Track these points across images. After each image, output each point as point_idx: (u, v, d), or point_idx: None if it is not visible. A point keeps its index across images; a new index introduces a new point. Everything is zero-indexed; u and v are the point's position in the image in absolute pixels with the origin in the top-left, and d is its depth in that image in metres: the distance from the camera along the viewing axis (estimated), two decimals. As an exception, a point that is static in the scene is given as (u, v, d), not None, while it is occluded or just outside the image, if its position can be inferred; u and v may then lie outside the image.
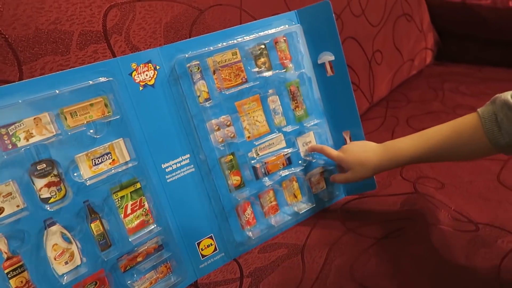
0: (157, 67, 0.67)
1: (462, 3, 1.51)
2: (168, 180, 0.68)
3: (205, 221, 0.73)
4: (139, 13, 0.70)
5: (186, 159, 0.70)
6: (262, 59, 0.76)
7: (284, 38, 0.78)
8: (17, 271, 0.55)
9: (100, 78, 0.60)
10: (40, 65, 0.60)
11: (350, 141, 0.82)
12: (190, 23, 0.76)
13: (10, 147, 0.52)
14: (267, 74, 0.76)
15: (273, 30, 0.77)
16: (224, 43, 0.72)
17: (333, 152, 0.77)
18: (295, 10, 0.79)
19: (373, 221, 0.78)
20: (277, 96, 0.78)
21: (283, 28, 0.78)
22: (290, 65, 0.78)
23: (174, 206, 0.69)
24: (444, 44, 1.66)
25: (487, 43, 1.55)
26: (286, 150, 0.79)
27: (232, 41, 0.73)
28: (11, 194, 0.53)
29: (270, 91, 0.77)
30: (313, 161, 0.81)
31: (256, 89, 0.75)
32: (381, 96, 1.34)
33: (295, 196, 0.81)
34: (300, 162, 0.80)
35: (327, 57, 0.79)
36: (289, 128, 0.79)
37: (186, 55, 0.69)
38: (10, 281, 0.54)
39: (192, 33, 0.76)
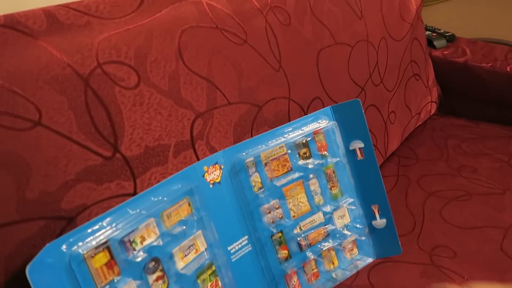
0: (222, 167, 0.79)
1: (464, 64, 1.64)
2: (232, 260, 0.80)
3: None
4: (216, 118, 0.82)
5: (245, 240, 0.82)
6: (304, 150, 0.89)
7: (322, 131, 0.91)
8: None
9: (183, 184, 0.72)
10: (148, 177, 0.71)
11: (379, 213, 0.94)
12: (252, 119, 0.89)
13: (131, 251, 0.63)
14: (309, 163, 0.88)
15: (313, 125, 0.90)
16: (274, 140, 0.85)
17: None
18: (330, 106, 0.92)
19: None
20: (317, 179, 0.90)
21: (320, 123, 0.90)
22: (327, 153, 0.91)
23: (239, 281, 0.80)
24: (445, 98, 1.79)
25: (484, 101, 1.67)
26: (325, 225, 0.91)
27: (279, 138, 0.86)
28: None
29: (311, 175, 0.89)
30: (348, 233, 0.93)
31: (300, 176, 0.88)
32: (393, 149, 1.46)
33: (333, 263, 0.93)
34: (337, 236, 0.92)
35: (357, 144, 0.91)
36: (327, 208, 0.91)
37: (244, 153, 0.82)
38: None
39: (253, 128, 0.89)
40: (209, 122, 0.80)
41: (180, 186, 0.72)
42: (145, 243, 0.65)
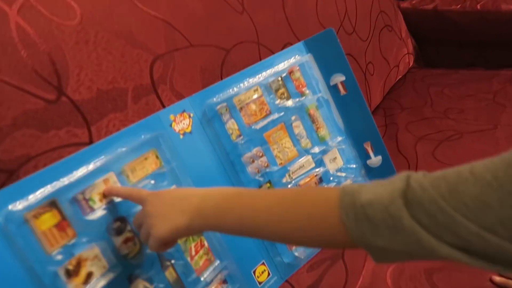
0: (191, 115, 0.69)
1: (434, 10, 1.58)
2: (217, 217, 0.69)
3: (255, 249, 0.73)
4: (178, 61, 0.72)
5: (229, 194, 0.72)
6: (281, 90, 0.79)
7: (298, 67, 0.81)
8: None
9: (148, 135, 0.62)
10: (105, 123, 0.60)
11: (373, 151, 0.84)
12: (220, 63, 0.79)
13: (88, 210, 0.53)
14: (288, 103, 0.79)
15: (286, 63, 0.80)
16: (246, 83, 0.75)
17: (143, 193, 0.54)
18: (303, 41, 0.83)
19: None
20: (300, 121, 0.80)
21: (294, 59, 0.81)
22: (307, 91, 0.81)
23: (228, 240, 0.70)
24: (420, 49, 1.72)
25: (460, 45, 1.61)
26: (316, 170, 0.81)
27: (253, 79, 0.76)
28: (97, 257, 0.52)
29: (293, 118, 0.80)
30: (343, 175, 0.83)
31: (280, 118, 0.78)
32: (377, 103, 1.39)
33: (331, 211, 0.83)
34: (331, 178, 0.82)
35: (338, 78, 0.82)
36: (315, 149, 0.81)
37: (214, 99, 0.71)
38: None
39: (223, 73, 0.79)
40: (171, 65, 0.70)
41: (143, 136, 0.61)
42: (105, 201, 0.55)
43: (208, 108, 0.70)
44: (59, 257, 0.48)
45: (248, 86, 0.75)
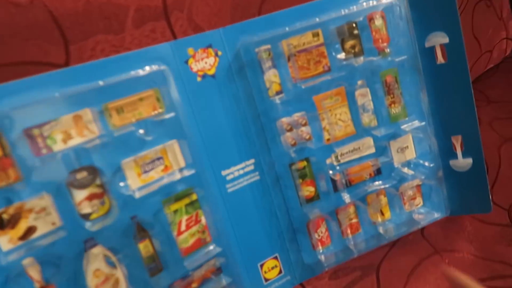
0: (219, 53, 0.52)
1: None
2: (228, 190, 0.54)
3: (270, 239, 0.58)
4: None
5: (250, 165, 0.56)
6: (351, 42, 0.57)
7: (382, 13, 0.58)
8: None
9: (150, 67, 0.47)
10: (90, 45, 0.48)
11: (462, 149, 0.61)
12: (260, 1, 0.60)
13: (45, 151, 0.41)
14: (357, 61, 0.57)
15: (366, 5, 0.57)
16: (304, 22, 0.55)
17: None
18: (399, -23, 0.59)
19: (464, 251, 0.60)
20: (368, 89, 0.59)
21: (378, 1, 0.57)
22: (388, 49, 0.58)
23: (235, 221, 0.55)
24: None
25: None
26: (375, 158, 0.60)
27: (314, 20, 0.55)
28: (45, 210, 0.41)
29: (359, 82, 0.58)
30: (410, 173, 0.62)
31: (341, 80, 0.57)
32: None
33: (382, 214, 0.63)
34: (392, 174, 0.61)
35: (438, 39, 0.57)
36: (381, 131, 0.60)
37: (255, 38, 0.53)
38: None
39: (262, 13, 0.60)
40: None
41: (143, 69, 0.46)
42: (71, 143, 0.42)
43: (244, 48, 0.53)
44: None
45: (305, 27, 0.55)
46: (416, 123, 0.60)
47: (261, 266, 0.58)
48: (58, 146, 0.41)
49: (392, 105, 0.61)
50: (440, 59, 0.58)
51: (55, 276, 0.42)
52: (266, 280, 0.58)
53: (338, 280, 0.59)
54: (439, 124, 0.62)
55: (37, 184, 0.40)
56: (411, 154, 0.62)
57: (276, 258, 0.58)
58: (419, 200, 0.64)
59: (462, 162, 0.61)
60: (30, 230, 0.40)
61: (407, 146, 0.62)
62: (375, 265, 0.60)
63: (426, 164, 0.62)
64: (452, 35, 0.56)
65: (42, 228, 0.41)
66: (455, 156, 0.61)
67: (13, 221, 0.39)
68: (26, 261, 0.40)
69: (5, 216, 0.38)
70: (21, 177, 0.38)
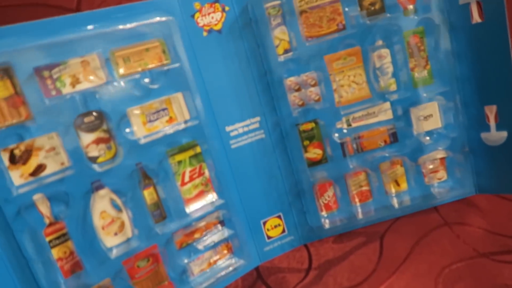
0: (226, 8, 0.52)
1: None
2: (232, 146, 0.56)
3: (274, 198, 0.58)
4: None
5: (256, 122, 0.56)
6: (371, -2, 0.53)
7: (409, -34, 0.53)
8: (60, 239, 0.47)
9: (157, 19, 0.49)
10: None
11: (496, 121, 0.54)
12: None
13: (54, 93, 0.45)
14: (377, 18, 0.53)
15: (392, -45, 0.52)
16: (318, -24, 0.52)
17: None
18: None
19: (476, 225, 0.55)
20: (388, 50, 0.55)
21: (408, -49, 0.52)
22: (411, 6, 0.53)
23: (238, 177, 0.56)
24: None
25: None
26: (391, 123, 0.57)
27: (330, -27, 0.52)
28: (54, 149, 0.45)
29: (378, 42, 0.55)
30: (430, 143, 0.57)
31: (358, 40, 0.54)
32: None
33: (398, 184, 0.60)
34: (407, 143, 0.57)
35: (474, -6, 0.51)
36: (399, 95, 0.55)
37: (265, -7, 0.52)
38: (52, 250, 0.46)
39: None
40: None
41: (150, 20, 0.48)
42: (80, 87, 0.46)
43: (252, 3, 0.52)
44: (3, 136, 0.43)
45: (319, -17, 0.52)
46: (443, 89, 0.55)
47: (264, 223, 0.59)
48: (67, 89, 0.45)
49: (416, 69, 0.56)
50: (476, 18, 0.52)
51: (64, 214, 0.46)
52: (269, 237, 0.59)
53: (342, 244, 0.58)
54: (471, 92, 0.55)
55: (47, 123, 0.44)
56: (436, 123, 0.57)
57: (279, 217, 0.59)
58: (442, 174, 0.59)
59: (496, 135, 0.55)
60: (40, 167, 0.45)
61: (432, 115, 0.57)
62: (380, 233, 0.58)
63: (452, 135, 0.57)
64: (491, -11, 0.49)
65: (52, 167, 0.46)
66: (487, 128, 0.55)
67: (24, 158, 0.44)
68: (36, 197, 0.44)
69: (16, 152, 0.44)
70: (32, 116, 0.44)
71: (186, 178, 0.54)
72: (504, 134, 0.54)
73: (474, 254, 0.51)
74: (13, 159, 0.43)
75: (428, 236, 0.55)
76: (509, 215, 0.55)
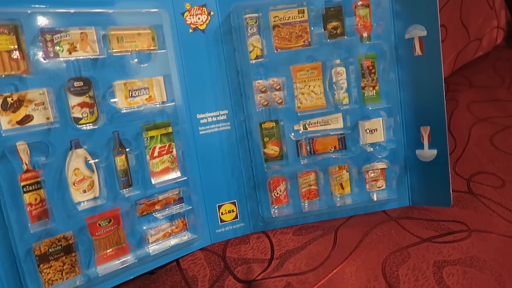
0: (212, 13, 0.61)
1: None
2: (200, 132, 0.63)
3: (231, 185, 0.65)
4: None
5: (224, 114, 0.64)
6: (334, 23, 0.64)
7: (368, 1, 0.64)
8: (33, 186, 0.51)
9: (152, 9, 0.57)
10: None
11: (429, 141, 0.64)
12: None
13: (52, 55, 0.52)
14: (337, 41, 0.63)
15: (354, -9, 0.64)
16: (294, -2, 0.63)
17: None
18: (389, -29, 0.64)
19: (420, 217, 0.65)
20: (344, 68, 0.65)
21: (367, -10, 0.63)
22: (366, 34, 0.64)
23: (202, 161, 0.63)
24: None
25: None
26: (341, 131, 0.66)
27: (302, -2, 0.63)
28: (43, 104, 0.51)
29: (337, 61, 0.64)
30: (373, 154, 0.66)
31: (319, 56, 0.64)
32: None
33: (342, 187, 0.68)
34: (353, 149, 0.66)
35: (417, 32, 0.62)
36: (350, 108, 0.64)
37: (246, 4, 0.62)
38: (25, 195, 0.51)
39: None
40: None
41: (146, 9, 0.57)
42: (75, 55, 0.53)
43: (235, 12, 0.62)
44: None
45: (294, 1, 0.62)
46: (388, 109, 0.65)
47: (219, 207, 0.65)
48: (64, 54, 0.52)
49: (366, 88, 0.66)
50: (418, 51, 0.63)
51: (43, 165, 0.51)
52: (222, 221, 0.65)
53: (301, 236, 0.64)
54: (410, 113, 0.65)
55: (41, 80, 0.51)
56: (379, 137, 0.66)
57: (234, 203, 0.66)
58: (381, 183, 0.68)
59: (428, 153, 0.64)
60: (28, 117, 0.51)
61: (376, 129, 0.66)
62: (335, 227, 0.64)
63: (393, 149, 0.66)
64: (430, 28, 0.60)
65: (38, 119, 0.51)
66: (422, 146, 0.65)
67: (15, 106, 0.50)
68: (19, 143, 0.50)
69: (9, 100, 0.50)
70: (30, 71, 0.50)
71: (156, 153, 0.61)
72: (434, 152, 0.63)
73: (418, 240, 0.59)
74: (5, 106, 0.49)
75: (377, 227, 0.62)
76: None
